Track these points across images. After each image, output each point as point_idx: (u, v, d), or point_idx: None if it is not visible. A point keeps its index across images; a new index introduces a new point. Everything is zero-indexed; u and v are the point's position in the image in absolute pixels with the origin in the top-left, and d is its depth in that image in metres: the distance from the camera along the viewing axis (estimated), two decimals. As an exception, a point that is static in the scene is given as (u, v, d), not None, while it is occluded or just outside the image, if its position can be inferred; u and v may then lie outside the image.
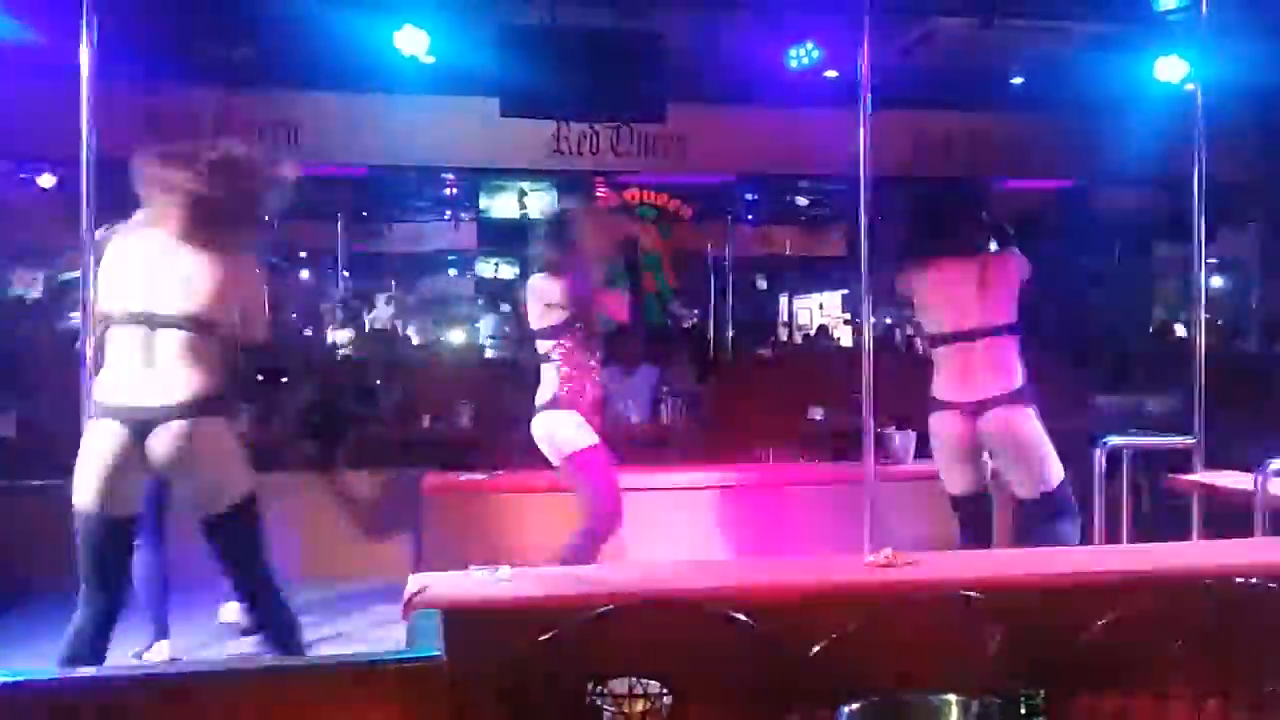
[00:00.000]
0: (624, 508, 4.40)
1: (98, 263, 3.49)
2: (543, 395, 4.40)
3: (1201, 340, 5.14)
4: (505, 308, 13.11)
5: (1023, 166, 9.74)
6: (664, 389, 7.37)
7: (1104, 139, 8.72)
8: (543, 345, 4.42)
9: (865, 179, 4.09)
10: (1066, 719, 1.64)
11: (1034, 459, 4.12)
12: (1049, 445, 4.14)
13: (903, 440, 5.63)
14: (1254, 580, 2.45)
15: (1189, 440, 5.08)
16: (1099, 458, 4.95)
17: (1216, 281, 11.74)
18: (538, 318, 4.43)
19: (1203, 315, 5.23)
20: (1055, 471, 4.13)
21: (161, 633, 4.60)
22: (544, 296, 4.39)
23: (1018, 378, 4.16)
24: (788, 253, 14.61)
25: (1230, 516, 4.66)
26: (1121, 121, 8.29)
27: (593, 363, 4.43)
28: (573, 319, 4.35)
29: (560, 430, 4.36)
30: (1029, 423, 4.14)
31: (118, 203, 3.55)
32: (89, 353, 3.52)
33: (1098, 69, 8.14)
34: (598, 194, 10.94)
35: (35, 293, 13.62)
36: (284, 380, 7.32)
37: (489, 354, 10.84)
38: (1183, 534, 4.88)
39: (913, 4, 7.57)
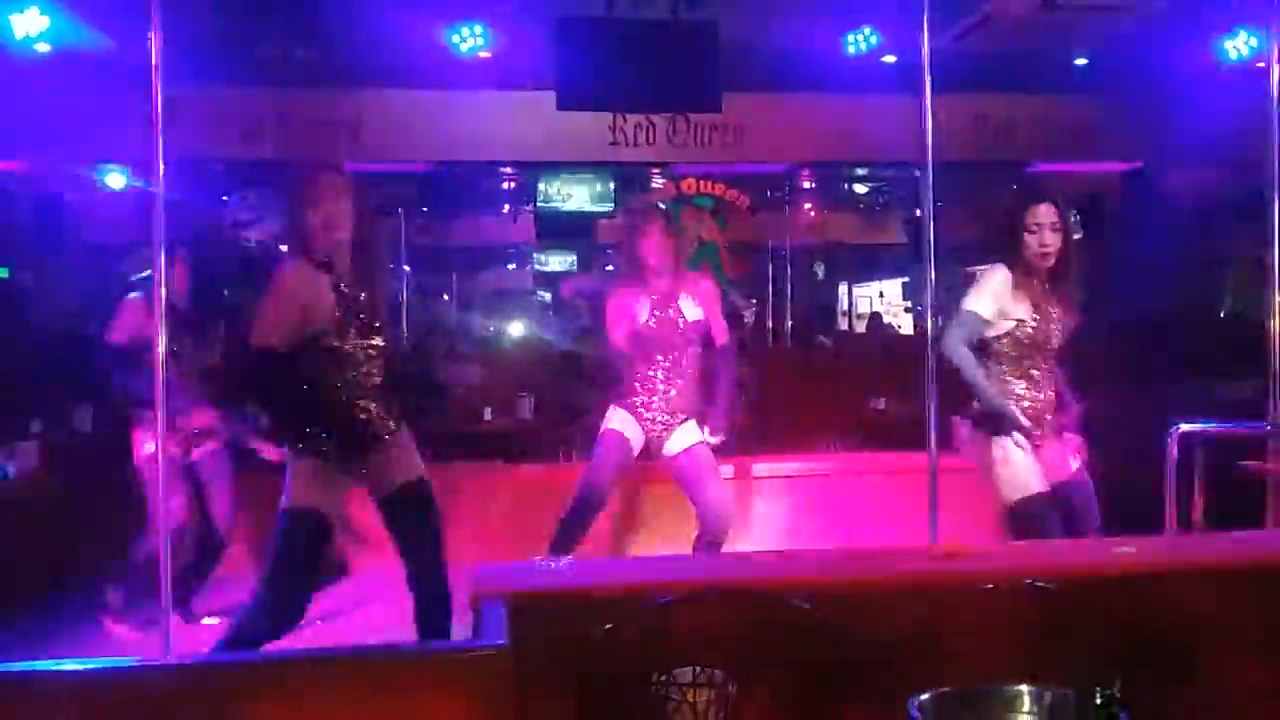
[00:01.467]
0: (603, 501, 4.50)
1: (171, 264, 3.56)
2: None
3: (1276, 325, 4.99)
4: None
5: (1088, 149, 9.55)
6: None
7: (1172, 119, 8.52)
8: None
9: (927, 165, 4.03)
10: (1141, 711, 1.61)
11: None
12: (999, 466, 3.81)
13: (968, 430, 5.52)
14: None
15: (1263, 427, 4.95)
16: (1170, 445, 4.84)
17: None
18: None
19: (1277, 299, 5.07)
20: (1006, 494, 3.78)
21: None
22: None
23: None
24: (846, 241, 14.48)
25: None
26: (1189, 101, 8.09)
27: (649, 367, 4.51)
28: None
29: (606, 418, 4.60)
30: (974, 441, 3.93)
31: (185, 201, 3.62)
32: (160, 351, 3.59)
33: (1164, 48, 7.95)
34: (654, 185, 10.92)
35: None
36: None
37: (548, 346, 10.89)
38: (1256, 523, 4.77)
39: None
